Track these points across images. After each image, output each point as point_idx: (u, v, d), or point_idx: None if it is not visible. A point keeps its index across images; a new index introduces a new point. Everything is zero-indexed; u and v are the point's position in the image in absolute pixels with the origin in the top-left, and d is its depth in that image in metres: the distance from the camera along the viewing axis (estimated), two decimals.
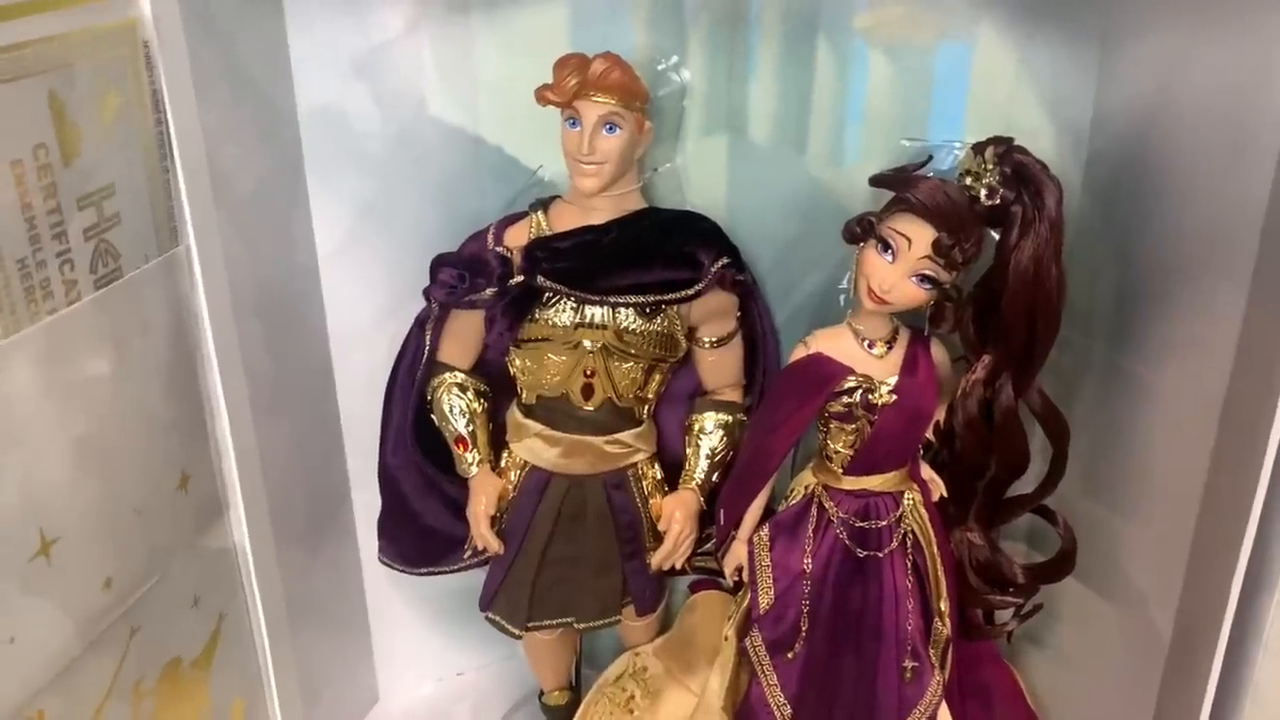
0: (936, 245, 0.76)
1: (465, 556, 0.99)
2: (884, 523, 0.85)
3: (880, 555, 0.85)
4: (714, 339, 0.91)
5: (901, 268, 0.78)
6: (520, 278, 0.85)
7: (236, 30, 0.86)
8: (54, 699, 0.73)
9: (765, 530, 0.88)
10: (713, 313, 0.89)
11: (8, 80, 0.65)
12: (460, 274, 0.88)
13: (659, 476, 0.94)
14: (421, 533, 1.01)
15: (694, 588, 1.06)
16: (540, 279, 0.85)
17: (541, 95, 0.83)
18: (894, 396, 0.82)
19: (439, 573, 1.04)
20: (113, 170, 0.75)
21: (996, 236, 0.80)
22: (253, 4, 0.88)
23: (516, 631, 0.96)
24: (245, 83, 0.87)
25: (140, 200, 0.78)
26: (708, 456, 0.93)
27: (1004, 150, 0.77)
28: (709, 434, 0.93)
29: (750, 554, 0.88)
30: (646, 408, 0.92)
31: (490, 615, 0.97)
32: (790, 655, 0.87)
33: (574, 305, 0.86)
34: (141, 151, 0.78)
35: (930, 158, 0.81)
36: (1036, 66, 0.86)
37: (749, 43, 0.90)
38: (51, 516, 0.72)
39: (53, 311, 0.70)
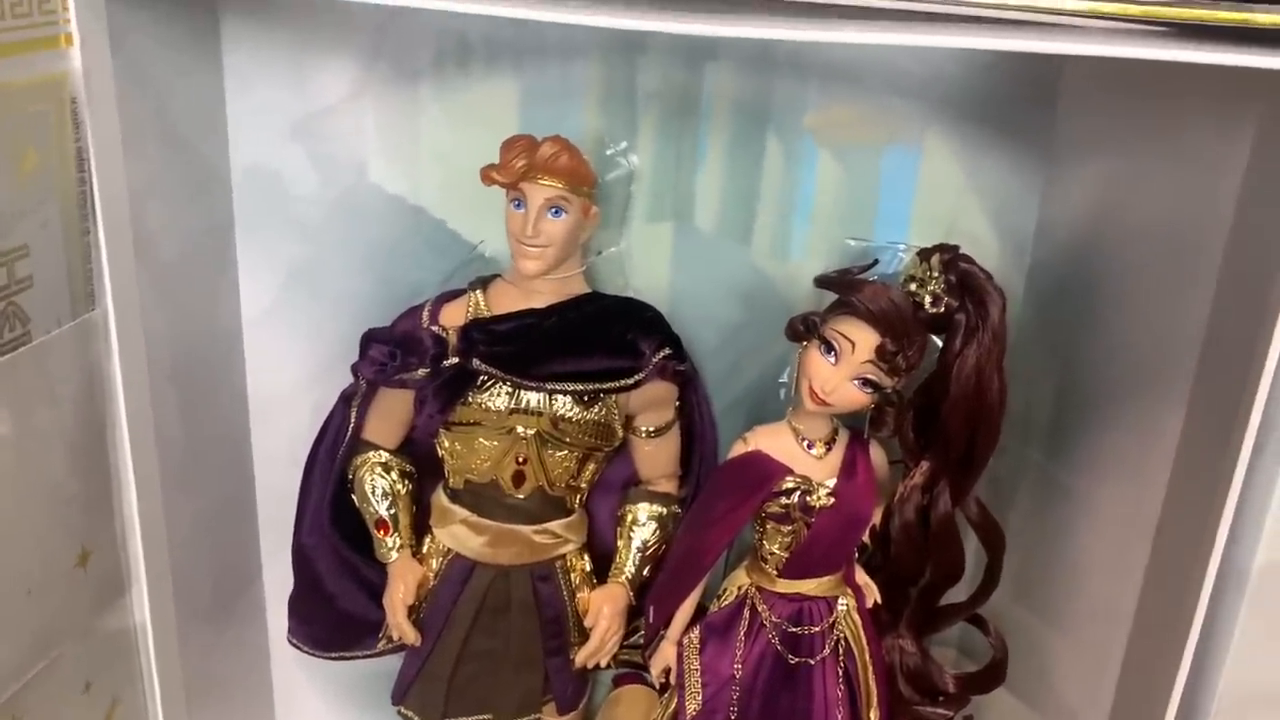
0: (880, 350, 0.75)
1: (380, 644, 0.94)
2: (817, 628, 0.83)
3: (812, 662, 0.83)
4: (651, 428, 0.89)
5: (844, 370, 0.77)
6: (455, 359, 0.83)
7: (171, 87, 0.82)
8: None
9: (696, 632, 0.85)
10: (651, 402, 0.87)
11: None
12: (392, 351, 0.85)
13: (588, 569, 0.91)
14: (335, 616, 0.96)
15: (618, 681, 1.03)
16: (476, 362, 0.82)
17: (487, 175, 0.81)
18: (832, 500, 0.80)
19: (351, 658, 0.99)
20: (27, 230, 0.71)
21: (939, 342, 0.80)
22: (191, 61, 0.85)
23: None
24: (177, 141, 0.84)
25: (55, 261, 0.74)
26: (639, 550, 0.90)
27: (949, 258, 0.77)
28: (641, 526, 0.91)
29: (680, 656, 0.85)
30: (578, 497, 0.90)
31: (403, 710, 0.92)
32: None
33: (509, 390, 0.83)
34: (60, 211, 0.74)
35: (875, 261, 0.81)
36: (982, 175, 0.87)
37: (699, 133, 0.90)
38: None
39: None
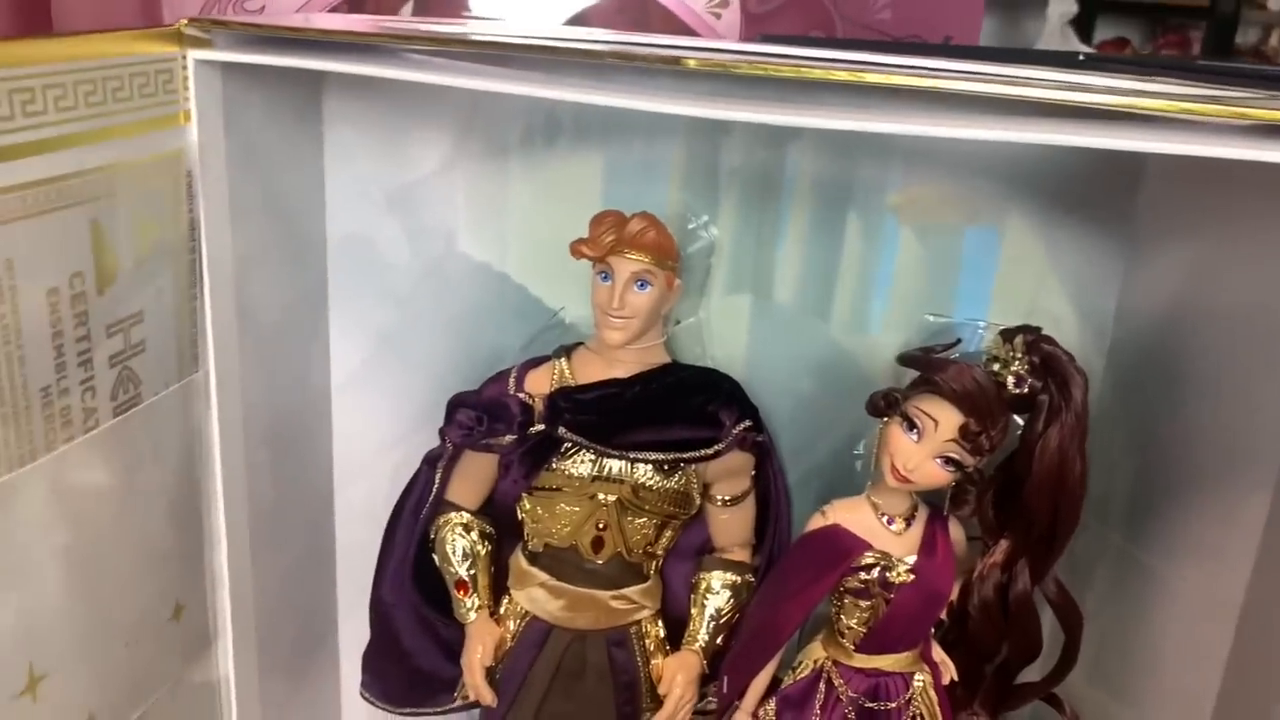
0: (964, 430, 0.76)
1: (455, 702, 0.96)
2: (893, 704, 0.83)
3: None
4: (728, 497, 0.90)
5: (926, 448, 0.78)
6: (541, 427, 0.85)
7: (277, 161, 0.86)
8: None
9: (772, 704, 0.85)
10: (729, 471, 0.89)
11: (50, 211, 0.65)
12: (479, 417, 0.87)
13: (662, 635, 0.92)
14: (410, 672, 0.98)
15: None
16: (562, 430, 0.84)
17: (576, 249, 0.84)
18: (912, 576, 0.81)
19: (422, 714, 1.00)
20: (143, 298, 0.74)
21: (1020, 421, 0.81)
22: (295, 136, 0.89)
23: None
24: (280, 212, 0.88)
25: (166, 327, 0.77)
26: (713, 618, 0.91)
27: (1032, 339, 0.78)
28: (715, 594, 0.91)
29: None
30: (654, 564, 0.91)
31: None
32: None
33: (592, 457, 0.85)
34: (172, 279, 0.77)
35: (959, 340, 0.82)
36: (1064, 255, 0.88)
37: (780, 208, 0.92)
38: (42, 650, 0.69)
39: (69, 440, 0.69)
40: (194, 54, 0.75)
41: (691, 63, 0.66)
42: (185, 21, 0.75)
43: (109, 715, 0.77)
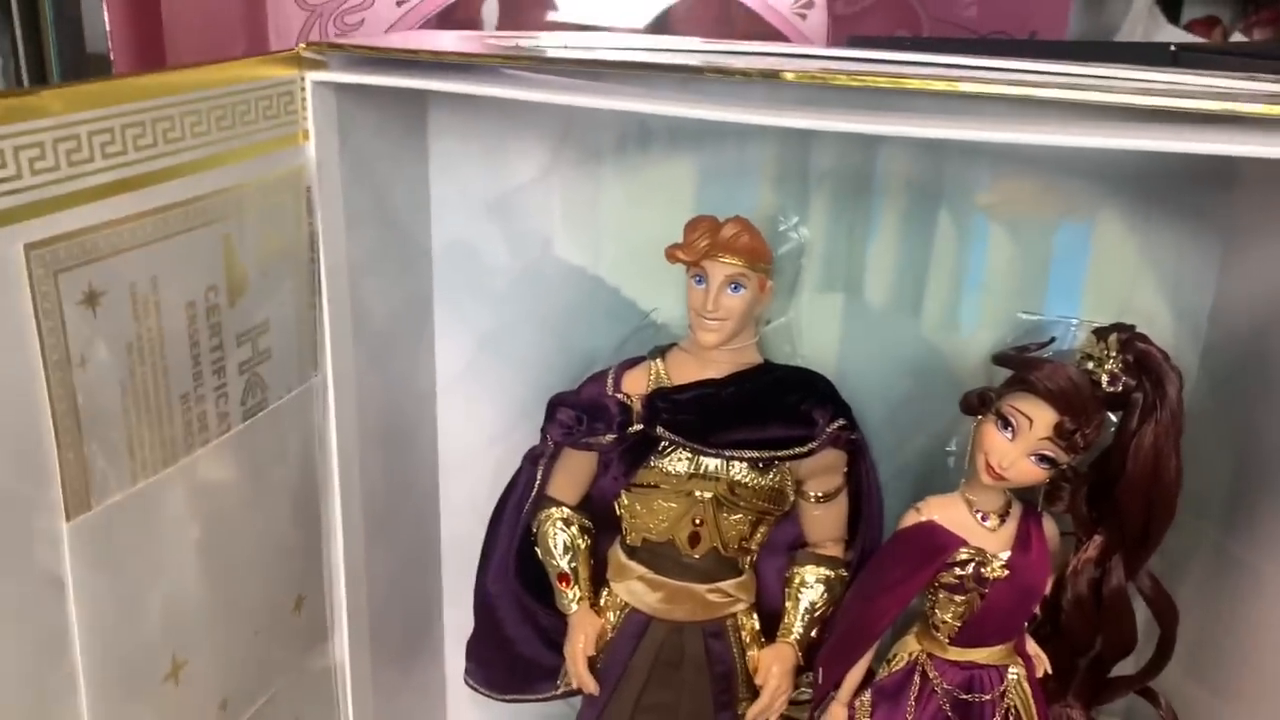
0: (1059, 428, 0.77)
1: (556, 690, 0.99)
2: (988, 696, 0.85)
3: None
4: (821, 494, 0.92)
5: (1021, 446, 0.79)
6: (640, 426, 0.88)
7: (387, 173, 0.90)
8: None
9: (867, 696, 0.87)
10: (823, 469, 0.91)
11: (186, 230, 0.70)
12: (579, 416, 0.90)
13: (756, 628, 0.95)
14: (512, 660, 1.02)
15: None
16: (660, 430, 0.87)
17: (672, 254, 0.86)
18: (1007, 571, 0.82)
19: (522, 700, 1.04)
20: (269, 307, 0.79)
21: (1113, 418, 0.81)
22: (403, 149, 0.93)
23: None
24: (390, 222, 0.92)
25: (289, 334, 0.82)
26: (807, 611, 0.93)
27: (1126, 337, 0.78)
28: (810, 588, 0.94)
29: (850, 718, 0.88)
30: (749, 558, 0.93)
31: None
32: None
33: (689, 456, 0.88)
34: (294, 288, 0.82)
35: (1053, 339, 0.83)
36: (1157, 252, 0.88)
37: (870, 209, 0.93)
38: (184, 639, 0.74)
39: (205, 443, 0.74)
40: (311, 76, 0.80)
41: (789, 75, 0.68)
42: (304, 46, 0.79)
43: (239, 701, 0.82)
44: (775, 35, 1.21)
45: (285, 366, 0.82)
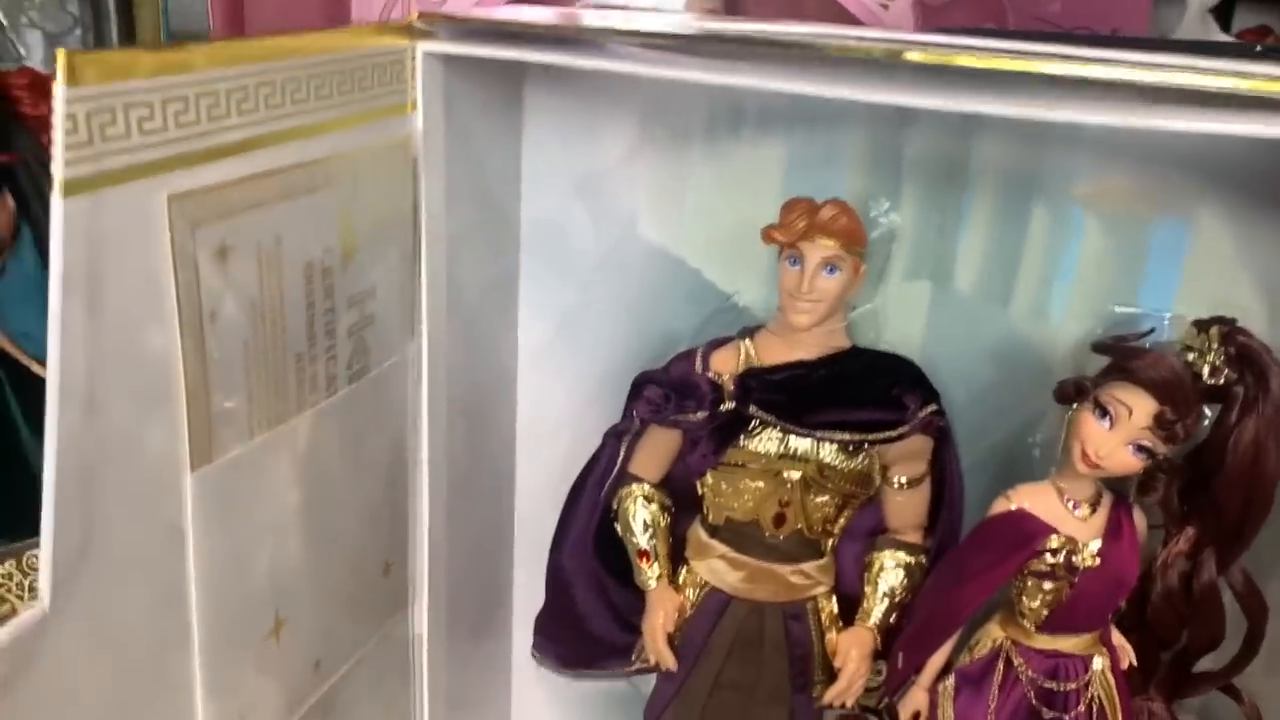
0: (1159, 419, 0.77)
1: (635, 665, 1.00)
2: (1073, 685, 0.85)
3: (1066, 718, 0.85)
4: (905, 480, 0.92)
5: (1119, 436, 0.79)
6: (731, 405, 0.88)
7: (485, 147, 0.91)
8: None
9: (950, 680, 0.88)
10: (910, 454, 0.91)
11: (310, 192, 0.71)
12: (667, 394, 0.90)
13: (835, 611, 0.95)
14: (582, 636, 1.02)
15: None
16: (752, 408, 0.87)
17: (769, 235, 0.87)
18: (1098, 560, 0.82)
19: (590, 677, 1.05)
20: (376, 274, 0.80)
21: (1208, 412, 0.81)
22: (500, 124, 0.94)
23: None
24: (484, 196, 0.93)
25: (392, 301, 0.83)
26: (886, 595, 0.93)
27: (1228, 330, 0.78)
28: (889, 573, 0.94)
29: (932, 703, 0.88)
30: (831, 541, 0.94)
31: None
32: None
33: (779, 436, 0.88)
34: (398, 256, 0.83)
35: (1151, 329, 0.83)
36: (1254, 248, 0.87)
37: (963, 198, 0.93)
38: (285, 598, 0.75)
39: (315, 404, 0.75)
40: (422, 46, 0.80)
41: (914, 56, 0.68)
42: (416, 15, 0.80)
43: (331, 662, 0.83)
44: (856, 24, 1.21)
45: (387, 334, 0.83)
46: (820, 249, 0.86)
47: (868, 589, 0.94)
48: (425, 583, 0.95)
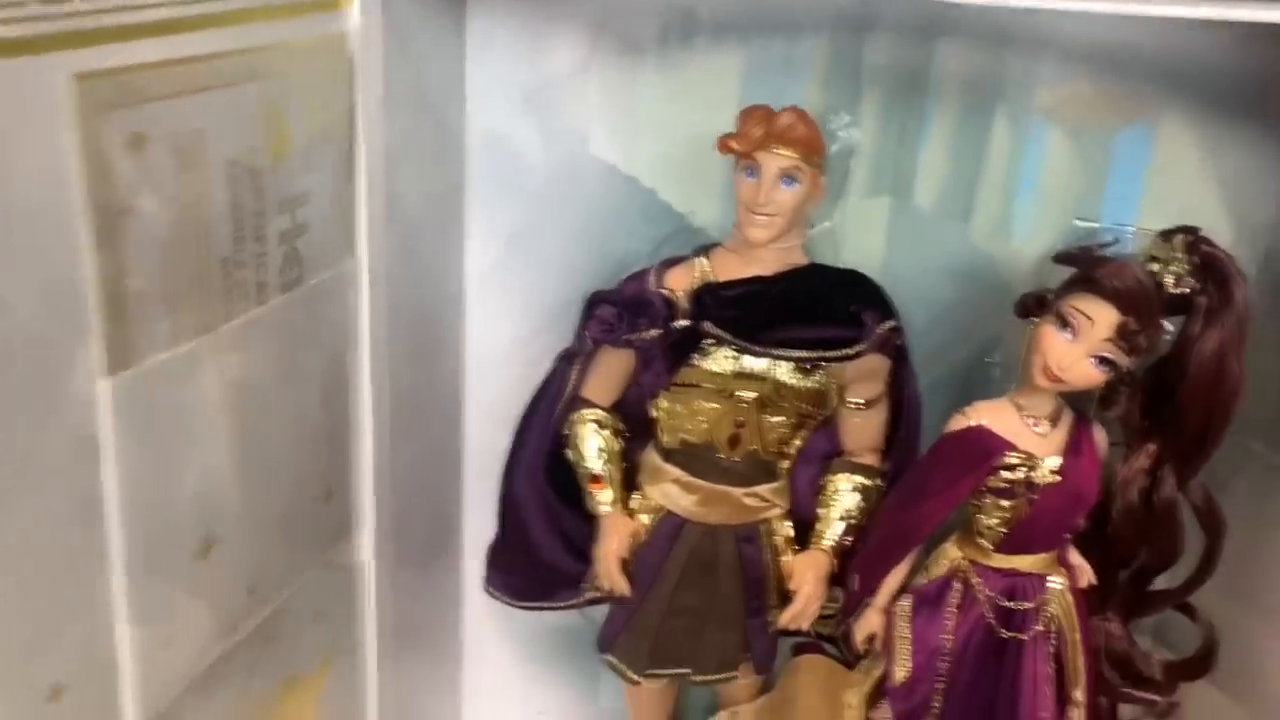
0: (1122, 329, 0.75)
1: (587, 594, 0.97)
2: (1030, 605, 0.83)
3: (1024, 638, 0.83)
4: (862, 400, 0.90)
5: (1081, 348, 0.77)
6: (686, 321, 0.85)
7: (425, 54, 0.87)
8: (186, 709, 0.72)
9: (906, 601, 0.86)
10: (866, 374, 0.89)
11: (233, 84, 0.66)
12: (620, 313, 0.88)
13: (790, 534, 0.93)
14: (535, 566, 1.00)
15: (798, 649, 1.04)
16: (708, 325, 0.84)
17: (724, 144, 0.83)
18: (1058, 477, 0.80)
19: (544, 608, 1.02)
20: (310, 180, 0.75)
21: (1170, 326, 0.79)
22: (442, 30, 0.89)
23: (634, 677, 0.94)
24: (426, 106, 0.88)
25: (327, 211, 0.79)
26: (842, 518, 0.92)
27: (1192, 239, 0.76)
28: (845, 495, 0.92)
29: (889, 624, 0.86)
30: (786, 463, 0.91)
31: (609, 658, 0.95)
32: None
33: (734, 354, 0.86)
34: (333, 164, 0.78)
35: (1115, 240, 0.81)
36: (1220, 159, 0.86)
37: (924, 109, 0.90)
38: (215, 518, 0.72)
39: (244, 313, 0.71)
40: None
41: None
42: None
43: (266, 588, 0.80)
44: None
45: (322, 244, 0.79)
46: (778, 159, 0.83)
47: (822, 511, 0.92)
48: (370, 510, 0.91)
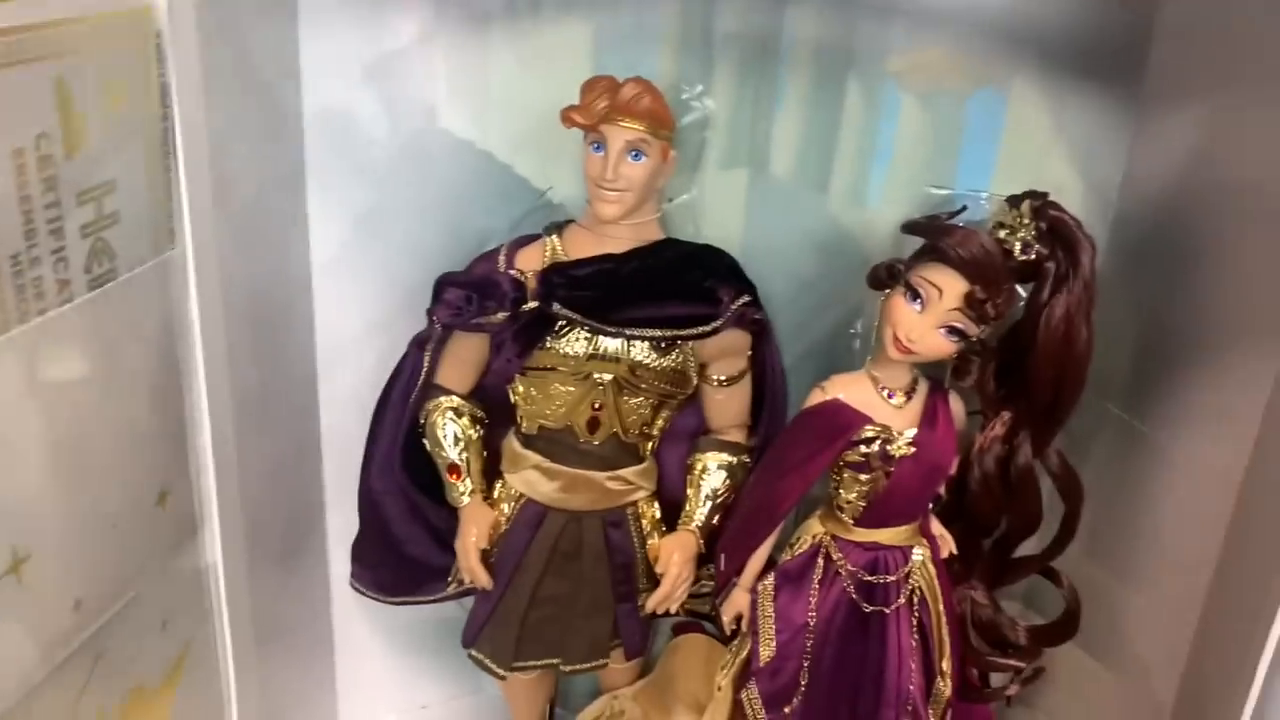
0: (969, 298, 0.74)
1: (449, 589, 0.94)
2: (892, 578, 0.83)
3: (886, 611, 0.83)
4: (724, 377, 0.88)
5: (930, 318, 0.76)
6: (534, 304, 0.82)
7: (250, 28, 0.81)
8: None
9: (770, 579, 0.85)
10: (726, 351, 0.87)
11: (10, 65, 0.61)
12: (468, 295, 0.84)
13: (657, 516, 0.91)
14: (400, 561, 0.97)
15: (678, 629, 1.03)
16: (556, 306, 0.81)
17: (567, 117, 0.80)
18: (913, 449, 0.80)
19: (413, 603, 0.99)
20: (115, 166, 0.70)
21: (1023, 292, 0.79)
22: (269, 3, 0.84)
23: (501, 671, 0.91)
24: (254, 83, 0.83)
25: (139, 199, 0.73)
26: (709, 498, 0.90)
27: (1039, 205, 0.76)
28: (711, 474, 0.90)
29: (753, 603, 0.85)
30: (650, 445, 0.89)
31: (474, 653, 0.93)
32: (788, 710, 0.84)
33: (587, 335, 0.83)
34: (144, 148, 0.73)
35: (964, 208, 0.80)
36: (1069, 123, 0.85)
37: (777, 77, 0.88)
38: (25, 531, 0.67)
39: (43, 312, 0.65)
40: None
41: None
42: None
43: (96, 600, 0.75)
44: None
45: (136, 235, 0.73)
46: (623, 132, 0.80)
47: (690, 491, 0.91)
48: (215, 510, 0.86)
